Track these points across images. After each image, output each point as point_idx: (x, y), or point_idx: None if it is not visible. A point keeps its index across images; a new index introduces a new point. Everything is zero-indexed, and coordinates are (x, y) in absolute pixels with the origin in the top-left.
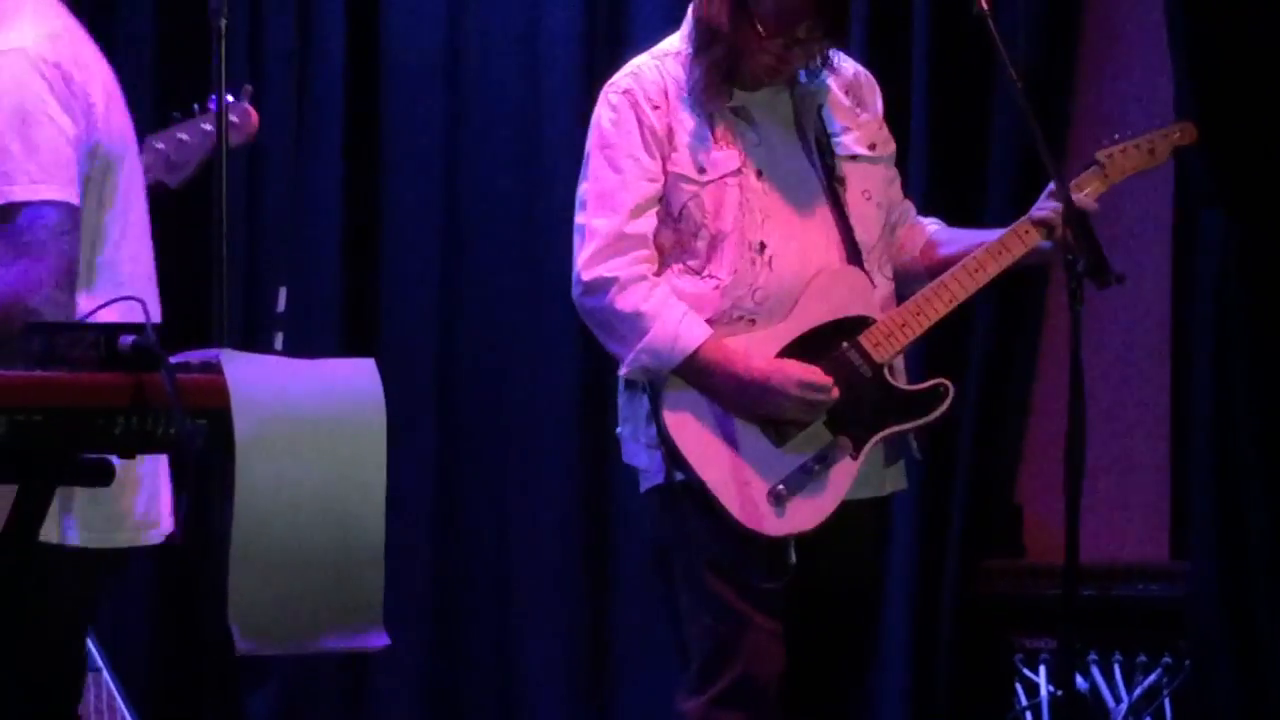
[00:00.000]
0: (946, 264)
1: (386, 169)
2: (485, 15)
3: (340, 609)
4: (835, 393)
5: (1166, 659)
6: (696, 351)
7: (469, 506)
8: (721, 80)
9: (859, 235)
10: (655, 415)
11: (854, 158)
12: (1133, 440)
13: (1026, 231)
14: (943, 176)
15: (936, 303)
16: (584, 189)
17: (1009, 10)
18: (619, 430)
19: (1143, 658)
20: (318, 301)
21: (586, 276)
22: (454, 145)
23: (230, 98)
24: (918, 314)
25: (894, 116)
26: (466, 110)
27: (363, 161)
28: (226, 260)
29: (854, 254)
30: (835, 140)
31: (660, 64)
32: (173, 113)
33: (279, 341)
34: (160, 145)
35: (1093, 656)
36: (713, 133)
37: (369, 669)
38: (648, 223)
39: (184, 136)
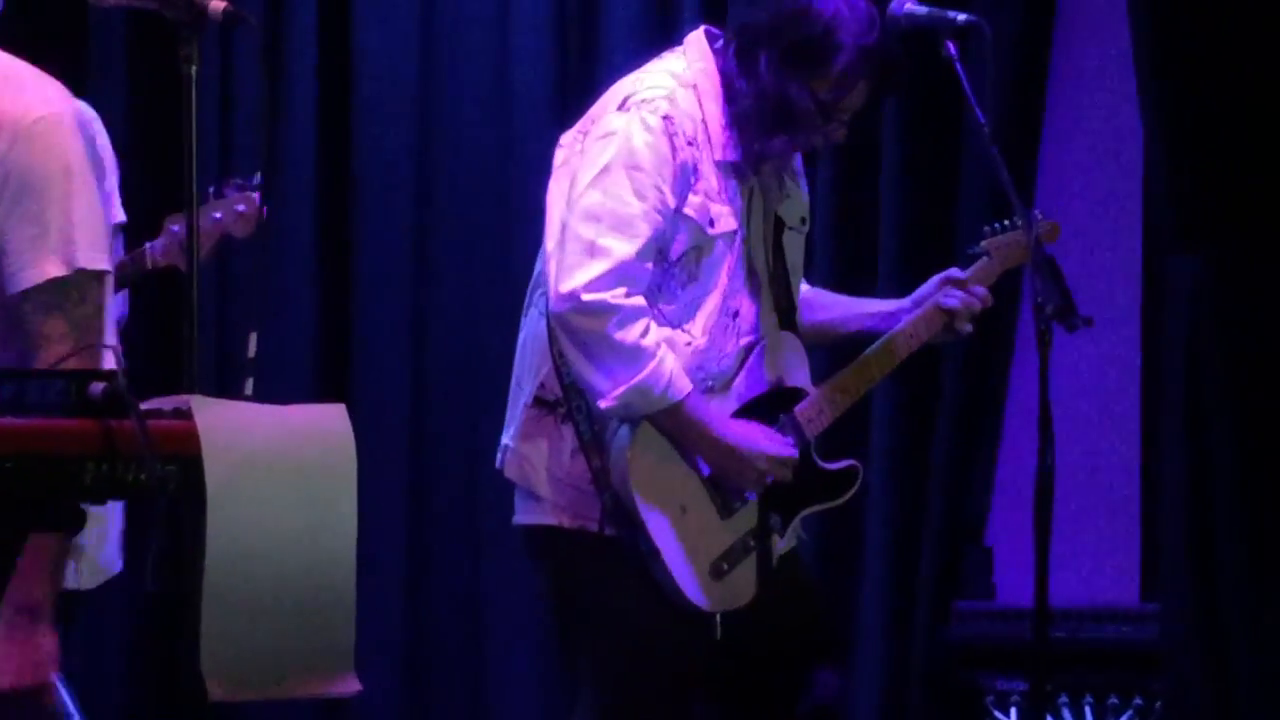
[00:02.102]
0: (821, 329)
1: (358, 212)
2: (456, 58)
3: (312, 655)
4: (790, 472)
5: (1138, 701)
6: (684, 401)
7: (442, 550)
8: (756, 150)
9: (795, 297)
10: (604, 463)
11: (791, 229)
12: (1103, 482)
13: (930, 320)
14: (912, 220)
15: (859, 383)
16: (597, 201)
17: (977, 53)
18: (512, 445)
19: (1114, 700)
20: (290, 346)
21: (587, 298)
22: (425, 187)
23: (239, 181)
24: (844, 392)
25: (864, 160)
26: (438, 152)
27: (334, 205)
28: (197, 305)
29: (789, 321)
30: (781, 206)
31: (687, 95)
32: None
33: (249, 387)
34: (175, 229)
35: (1064, 699)
36: (721, 185)
37: (341, 715)
38: (651, 263)
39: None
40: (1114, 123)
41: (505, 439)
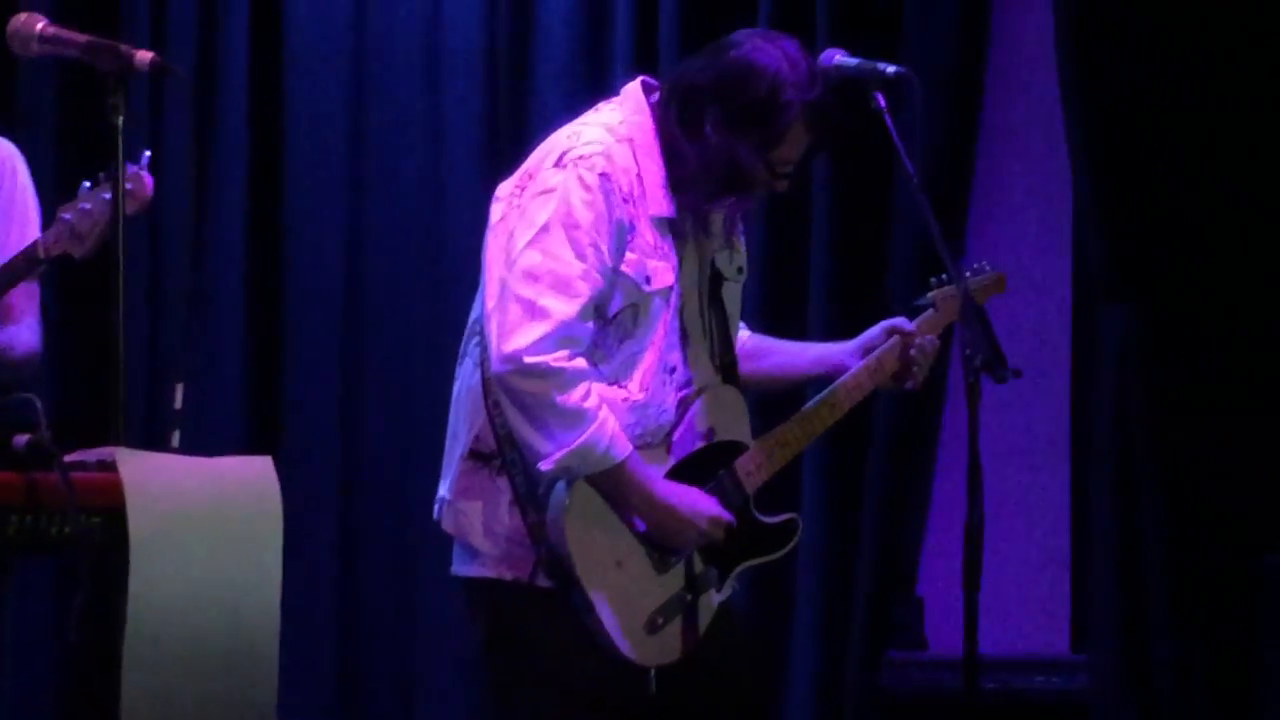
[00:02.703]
0: (763, 377)
1: (288, 261)
2: (386, 105)
3: (234, 708)
4: (723, 536)
5: None
6: (624, 462)
7: (373, 602)
8: (695, 209)
9: (735, 350)
10: (541, 517)
11: (728, 279)
12: (1033, 533)
13: (877, 371)
14: (843, 269)
15: (801, 435)
16: (536, 261)
17: (908, 104)
18: (449, 497)
19: None
20: (220, 397)
21: (529, 359)
22: (356, 236)
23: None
24: (784, 445)
25: (795, 209)
26: (369, 201)
27: (264, 254)
28: (124, 356)
29: (730, 373)
30: (717, 256)
31: (622, 150)
32: (83, 181)
33: (176, 439)
34: (67, 216)
35: None
36: (656, 242)
37: None
38: (591, 323)
39: (86, 206)
40: (1045, 173)
41: (441, 491)
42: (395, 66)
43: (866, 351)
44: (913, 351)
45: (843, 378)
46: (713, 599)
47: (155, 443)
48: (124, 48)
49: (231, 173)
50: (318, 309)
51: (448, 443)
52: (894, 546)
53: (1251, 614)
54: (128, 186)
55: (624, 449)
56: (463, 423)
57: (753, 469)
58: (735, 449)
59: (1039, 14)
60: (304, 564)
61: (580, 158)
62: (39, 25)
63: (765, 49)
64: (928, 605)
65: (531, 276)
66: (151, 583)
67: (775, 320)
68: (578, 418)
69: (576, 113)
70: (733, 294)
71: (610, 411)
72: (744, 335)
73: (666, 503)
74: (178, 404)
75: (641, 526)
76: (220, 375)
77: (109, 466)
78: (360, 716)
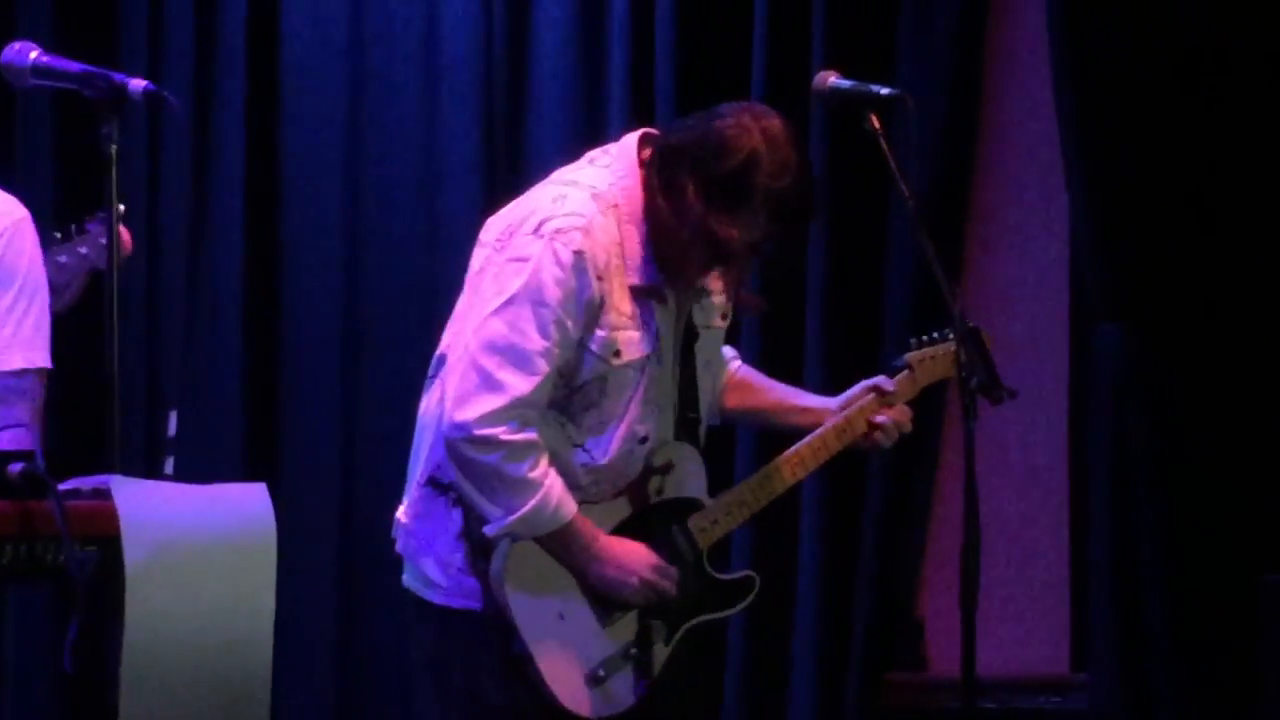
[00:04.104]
0: (744, 414)
1: (285, 288)
2: (384, 135)
3: None
4: (674, 590)
5: None
6: (569, 524)
7: (370, 628)
8: (674, 279)
9: (700, 407)
10: (489, 568)
11: (707, 329)
12: (1032, 553)
13: (844, 431)
14: (838, 294)
15: (760, 494)
16: (498, 331)
17: (904, 126)
18: (404, 520)
19: None
20: (218, 423)
21: (478, 432)
22: (354, 264)
23: (104, 214)
24: (741, 504)
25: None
26: (366, 229)
27: (262, 281)
28: (119, 382)
29: (691, 429)
30: (696, 311)
31: (606, 222)
32: (54, 233)
33: (170, 466)
34: (62, 259)
35: None
36: (632, 311)
37: None
38: (548, 391)
39: (63, 259)
40: (1041, 193)
41: (398, 513)
42: (392, 93)
43: (844, 409)
44: (881, 419)
45: (810, 436)
46: (664, 654)
47: (153, 469)
48: (118, 77)
49: (229, 199)
50: (315, 334)
51: (410, 461)
52: (893, 567)
53: (1251, 633)
54: (102, 241)
55: (567, 513)
56: (424, 445)
57: (706, 525)
58: (691, 506)
59: (1035, 35)
60: (302, 590)
61: (558, 231)
62: (32, 54)
63: (748, 126)
64: (927, 626)
65: (493, 348)
66: (146, 611)
67: (772, 344)
68: (524, 486)
69: (571, 144)
70: (708, 342)
71: (558, 476)
72: (734, 366)
73: (607, 558)
74: (171, 431)
75: (586, 581)
76: (218, 401)
77: (103, 494)
78: None
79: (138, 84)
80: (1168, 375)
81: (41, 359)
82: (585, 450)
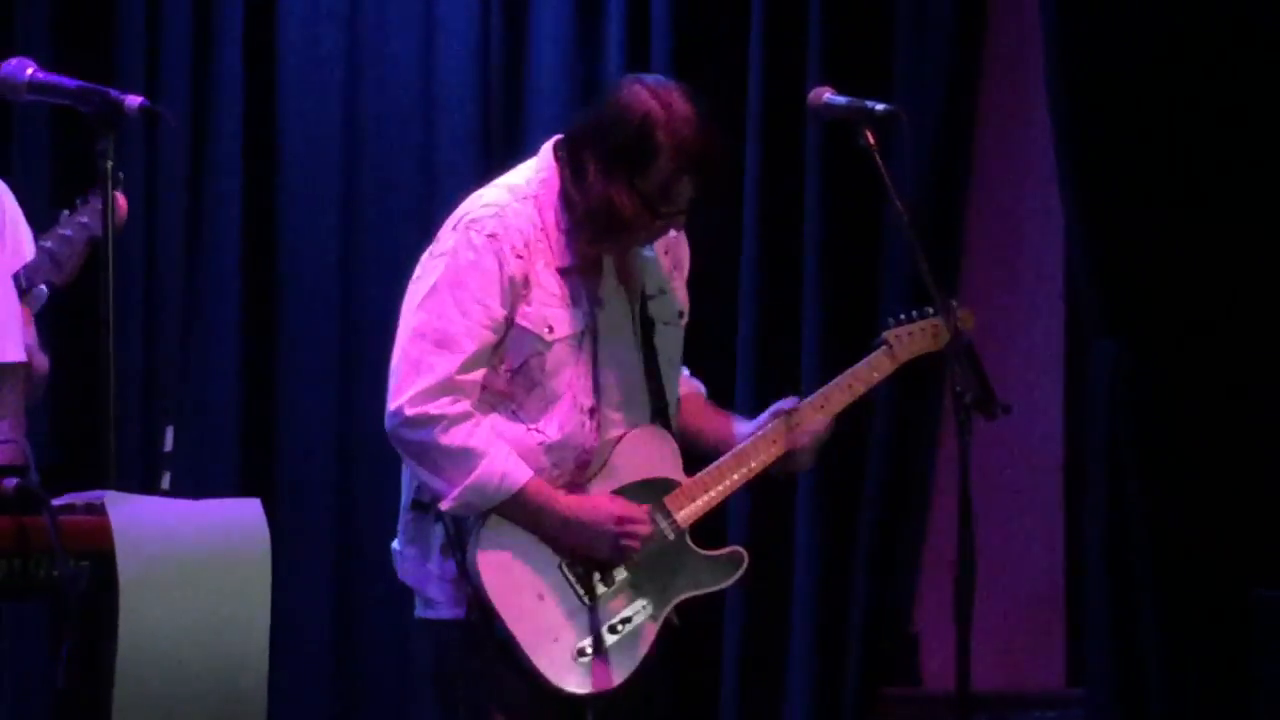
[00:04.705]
0: (696, 433)
1: (282, 301)
2: (382, 134)
3: None
4: (648, 528)
5: None
6: (523, 489)
7: (365, 643)
8: (597, 256)
9: (667, 394)
10: (462, 556)
11: (665, 324)
12: (1027, 568)
13: (774, 442)
14: (833, 307)
15: (736, 472)
16: (421, 320)
17: (900, 141)
18: (396, 548)
19: None
20: (214, 436)
21: (410, 411)
22: (351, 277)
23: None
24: (719, 480)
25: (787, 249)
26: (363, 239)
27: (259, 294)
28: (115, 397)
29: (662, 415)
30: (650, 302)
31: (521, 207)
32: (62, 210)
33: (166, 481)
34: (48, 244)
35: None
36: (561, 290)
37: None
38: (479, 373)
39: (65, 233)
40: (1036, 208)
41: (394, 543)
42: (389, 104)
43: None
44: (808, 439)
45: (745, 442)
46: (651, 632)
47: (149, 484)
48: (113, 93)
49: (225, 215)
50: (312, 350)
51: (403, 493)
52: (888, 582)
53: (1245, 647)
54: (99, 206)
55: (520, 477)
56: (406, 475)
57: (686, 502)
58: (665, 485)
59: (1031, 49)
60: (297, 605)
61: (472, 221)
62: (28, 71)
63: (640, 93)
64: (922, 641)
65: (419, 335)
66: (140, 626)
67: (768, 358)
68: (464, 455)
69: None
70: (668, 338)
71: (504, 443)
72: (689, 388)
73: (573, 512)
74: (168, 446)
75: (557, 544)
76: (214, 417)
77: (97, 510)
78: None
79: (134, 100)
80: (1163, 391)
81: None
82: (539, 430)
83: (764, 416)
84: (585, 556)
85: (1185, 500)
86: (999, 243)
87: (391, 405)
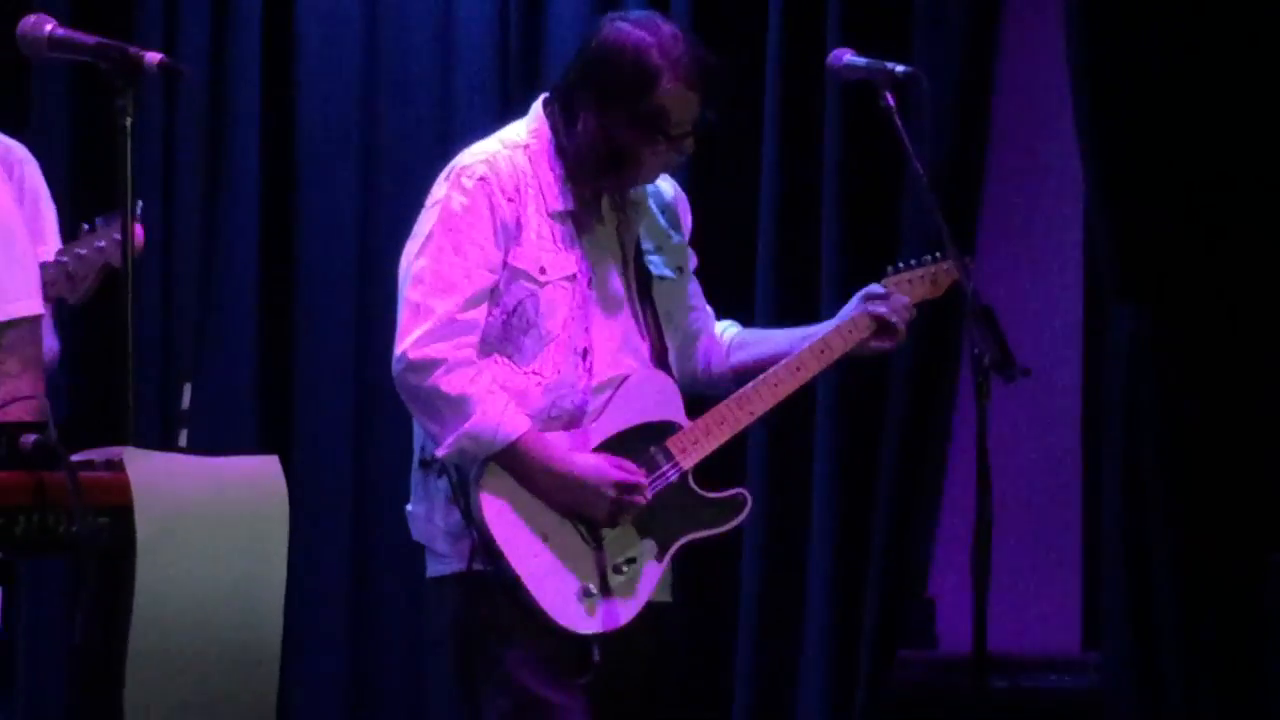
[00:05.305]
0: (749, 368)
1: (300, 259)
2: (398, 106)
3: (237, 706)
4: (648, 496)
5: None
6: (518, 440)
7: (385, 600)
8: (594, 195)
9: (666, 341)
10: (467, 503)
11: (662, 279)
12: (1044, 532)
13: (848, 332)
14: (852, 269)
15: (740, 411)
16: (420, 266)
17: (918, 105)
18: (409, 508)
19: None
20: (232, 396)
21: (414, 355)
22: (368, 235)
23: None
24: (721, 422)
25: (805, 213)
26: (381, 200)
27: (276, 253)
28: (135, 355)
29: (662, 360)
30: (647, 256)
31: (512, 155)
32: (83, 224)
33: (183, 439)
34: (64, 259)
35: None
36: (554, 234)
37: None
38: (480, 313)
39: (82, 251)
40: (1055, 172)
41: (409, 505)
42: (408, 65)
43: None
44: (883, 308)
45: (790, 356)
46: (657, 572)
47: (167, 441)
48: (133, 50)
49: (244, 172)
50: (330, 306)
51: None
52: (905, 546)
53: (1261, 612)
54: (117, 236)
55: (516, 428)
56: (416, 433)
57: (687, 445)
58: (668, 428)
59: (1049, 13)
60: (315, 564)
61: (462, 169)
62: (48, 27)
63: (623, 27)
64: (939, 604)
65: (417, 281)
66: (157, 582)
67: (787, 321)
68: (462, 403)
69: None
70: (668, 290)
71: (503, 394)
72: (733, 331)
73: (570, 473)
74: (185, 404)
75: (553, 501)
76: (232, 374)
77: (116, 466)
78: (373, 715)
79: (153, 57)
80: (1181, 357)
81: None
82: (535, 374)
83: (850, 305)
84: (579, 516)
85: (1203, 465)
86: (1017, 206)
87: (396, 351)
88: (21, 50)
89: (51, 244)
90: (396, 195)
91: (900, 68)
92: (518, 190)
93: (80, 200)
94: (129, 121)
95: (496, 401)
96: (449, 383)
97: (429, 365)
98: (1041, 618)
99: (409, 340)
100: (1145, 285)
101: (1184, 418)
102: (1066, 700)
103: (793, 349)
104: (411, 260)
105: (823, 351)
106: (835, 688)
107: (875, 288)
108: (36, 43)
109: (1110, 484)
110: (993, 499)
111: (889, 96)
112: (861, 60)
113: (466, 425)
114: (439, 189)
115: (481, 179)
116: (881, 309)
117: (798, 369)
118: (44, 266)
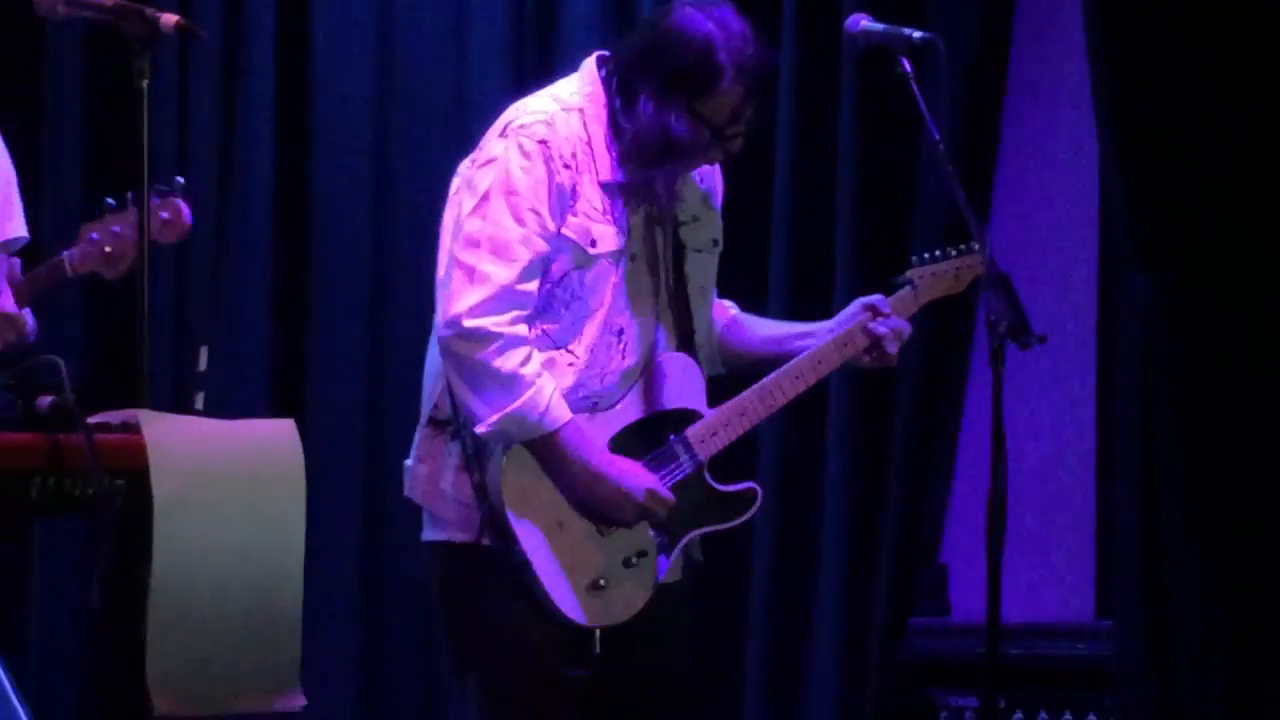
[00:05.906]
0: (741, 352)
1: (315, 225)
2: (413, 70)
3: (258, 670)
4: (669, 507)
5: (1091, 717)
6: (559, 430)
7: (395, 564)
8: (646, 183)
9: (695, 325)
10: (481, 476)
11: (698, 251)
12: (1058, 500)
13: (845, 345)
14: (867, 237)
15: (760, 406)
16: (477, 228)
17: (934, 71)
18: (410, 464)
19: (1068, 716)
20: (245, 359)
21: (469, 323)
22: (384, 201)
23: (163, 188)
24: (742, 414)
25: (821, 179)
26: (396, 166)
27: (291, 217)
28: (149, 317)
29: (688, 344)
30: (684, 228)
31: (569, 118)
32: (107, 199)
33: (200, 401)
34: (95, 236)
35: (1019, 716)
36: (604, 205)
37: None
38: (534, 284)
39: (118, 229)
40: (1070, 140)
41: (408, 460)
42: (424, 26)
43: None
44: (882, 329)
45: (809, 350)
46: (661, 564)
47: (183, 404)
48: (149, 11)
49: (259, 134)
50: (345, 270)
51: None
52: (918, 513)
53: (1275, 580)
54: (165, 215)
55: (558, 418)
56: (426, 391)
57: (706, 436)
58: (689, 416)
59: None
60: (327, 525)
61: (521, 126)
62: None
63: (695, 16)
64: (952, 572)
65: (472, 243)
66: (175, 544)
67: (802, 290)
68: (513, 383)
69: None
70: (701, 265)
71: (551, 378)
72: (731, 310)
73: (603, 474)
74: (202, 366)
75: (578, 496)
76: (247, 337)
77: (132, 428)
78: (384, 680)
79: (169, 18)
80: (1196, 325)
81: None
82: (569, 351)
83: (851, 307)
84: (600, 514)
85: (1218, 434)
86: (1033, 174)
87: (448, 313)
88: (37, 9)
89: (18, 221)
90: (411, 161)
91: (917, 34)
92: (574, 156)
93: (96, 167)
94: (146, 83)
95: (546, 386)
96: (502, 360)
97: (483, 338)
98: (1055, 585)
99: (463, 305)
100: (1160, 252)
101: (1198, 384)
102: (1080, 668)
103: (782, 347)
104: (465, 219)
105: (819, 363)
106: (848, 654)
107: (879, 300)
108: (52, 2)
109: (1125, 452)
110: (1007, 466)
111: (906, 62)
112: (878, 25)
113: (513, 407)
114: (494, 145)
115: (542, 142)
116: (881, 330)
117: (797, 377)
118: (72, 247)
